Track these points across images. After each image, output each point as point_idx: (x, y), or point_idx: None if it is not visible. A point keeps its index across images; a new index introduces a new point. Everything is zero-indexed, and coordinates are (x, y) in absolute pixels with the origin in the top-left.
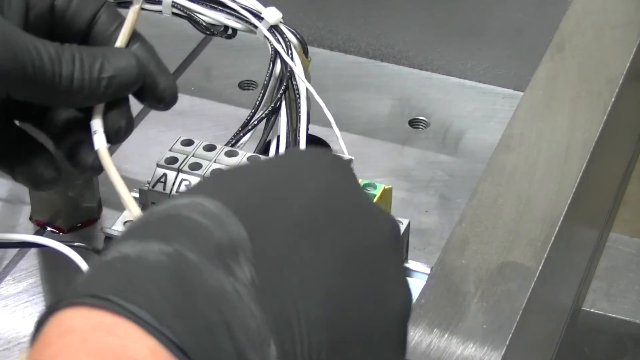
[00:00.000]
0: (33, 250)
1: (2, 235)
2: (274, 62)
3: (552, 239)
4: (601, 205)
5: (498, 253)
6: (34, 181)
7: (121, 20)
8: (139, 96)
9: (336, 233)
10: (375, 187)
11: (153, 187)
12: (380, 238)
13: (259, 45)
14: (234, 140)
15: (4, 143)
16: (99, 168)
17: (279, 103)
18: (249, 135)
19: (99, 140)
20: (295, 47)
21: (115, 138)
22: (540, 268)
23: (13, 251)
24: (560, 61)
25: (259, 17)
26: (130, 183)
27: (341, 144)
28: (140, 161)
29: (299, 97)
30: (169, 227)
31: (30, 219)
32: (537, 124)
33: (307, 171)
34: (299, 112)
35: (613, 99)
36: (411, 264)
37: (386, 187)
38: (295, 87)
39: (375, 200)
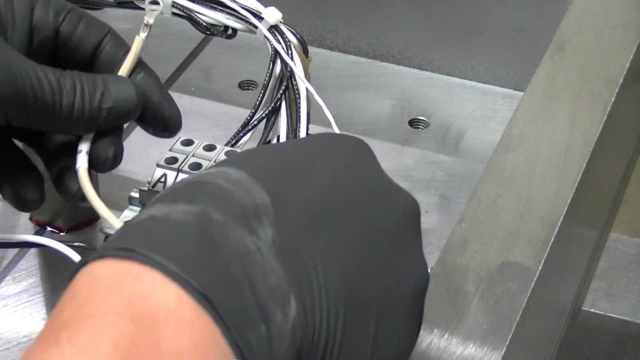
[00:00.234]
0: (33, 250)
1: (2, 235)
2: (274, 62)
3: (552, 239)
4: (601, 205)
5: (498, 253)
6: (17, 200)
7: (126, 48)
8: (144, 124)
9: (356, 206)
10: None
11: (153, 187)
12: (399, 215)
13: (259, 45)
14: (234, 140)
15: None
16: (81, 197)
17: (279, 103)
18: (249, 135)
19: (81, 160)
20: (295, 47)
21: (101, 167)
22: (540, 268)
23: (13, 251)
24: (560, 61)
25: (259, 17)
26: (130, 183)
27: None
28: (140, 161)
29: (299, 97)
30: (195, 191)
31: (30, 219)
32: (537, 124)
33: (329, 150)
34: (299, 112)
35: (613, 99)
36: None
37: None
38: (295, 87)
39: None
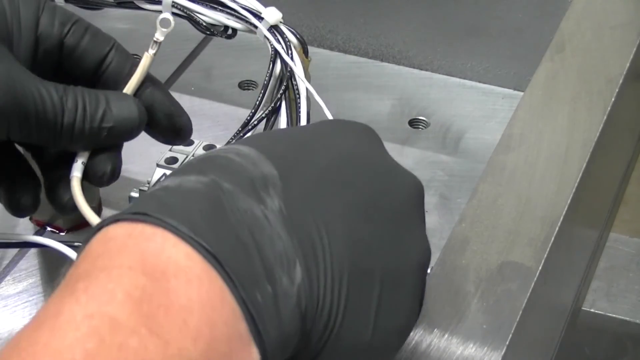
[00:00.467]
0: (33, 250)
1: (2, 235)
2: (274, 62)
3: (552, 239)
4: (601, 205)
5: (498, 253)
6: (11, 205)
7: (133, 61)
8: (155, 135)
9: (361, 182)
10: None
11: (153, 187)
12: (403, 193)
13: (259, 45)
14: (234, 140)
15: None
16: (71, 207)
17: (279, 103)
18: (248, 135)
19: (76, 170)
20: (295, 47)
21: (98, 181)
22: (540, 268)
23: (13, 251)
24: (560, 61)
25: (259, 17)
26: (130, 183)
27: None
28: (140, 161)
29: (299, 97)
30: (206, 163)
31: (30, 219)
32: (537, 124)
33: (337, 132)
34: (299, 112)
35: (613, 99)
36: None
37: None
38: (295, 87)
39: None
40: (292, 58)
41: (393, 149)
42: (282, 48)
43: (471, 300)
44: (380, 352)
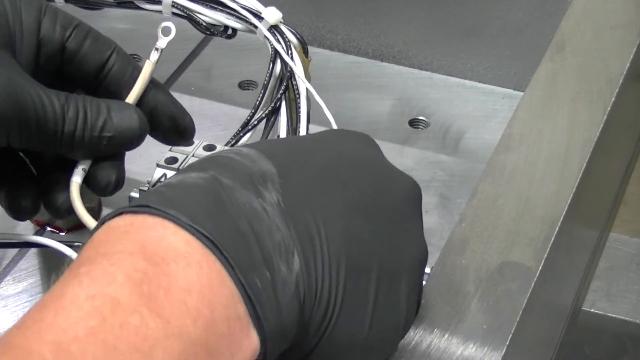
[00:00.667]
0: (33, 250)
1: (2, 235)
2: (274, 62)
3: (552, 239)
4: (601, 205)
5: (498, 253)
6: (11, 208)
7: (134, 66)
8: (159, 138)
9: (359, 181)
10: None
11: (153, 187)
12: (401, 194)
13: (259, 45)
14: (234, 140)
15: (1, 165)
16: (65, 210)
17: (279, 103)
18: (249, 135)
19: (76, 176)
20: (295, 47)
21: (102, 191)
22: (540, 268)
23: (13, 251)
24: (560, 61)
25: (259, 17)
26: (130, 183)
27: None
28: (140, 161)
29: (299, 97)
30: (207, 162)
31: (30, 219)
32: (537, 124)
33: (336, 138)
34: (299, 112)
35: (613, 99)
36: None
37: None
38: (295, 87)
39: None
40: (292, 58)
41: (393, 149)
42: (282, 48)
43: (471, 300)
44: (377, 348)
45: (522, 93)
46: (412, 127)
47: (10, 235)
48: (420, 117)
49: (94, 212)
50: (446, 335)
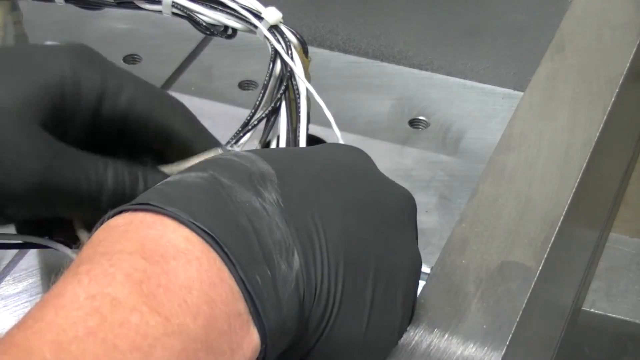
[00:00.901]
0: (33, 250)
1: (2, 236)
2: (274, 62)
3: (552, 239)
4: (601, 205)
5: (498, 253)
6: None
7: (200, 128)
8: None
9: (356, 186)
10: None
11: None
12: (395, 202)
13: (259, 45)
14: (234, 140)
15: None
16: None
17: (279, 103)
18: (249, 135)
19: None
20: (295, 47)
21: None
22: (540, 268)
23: (13, 251)
24: (560, 61)
25: (259, 17)
26: None
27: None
28: None
29: (299, 97)
30: (206, 163)
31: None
32: (537, 124)
33: (331, 149)
34: (299, 112)
35: (613, 99)
36: None
37: None
38: (295, 87)
39: None
40: (292, 58)
41: (393, 149)
42: (282, 48)
43: (471, 300)
44: (374, 349)
45: (522, 93)
46: (412, 127)
47: (10, 236)
48: (420, 117)
49: None
50: (446, 335)
